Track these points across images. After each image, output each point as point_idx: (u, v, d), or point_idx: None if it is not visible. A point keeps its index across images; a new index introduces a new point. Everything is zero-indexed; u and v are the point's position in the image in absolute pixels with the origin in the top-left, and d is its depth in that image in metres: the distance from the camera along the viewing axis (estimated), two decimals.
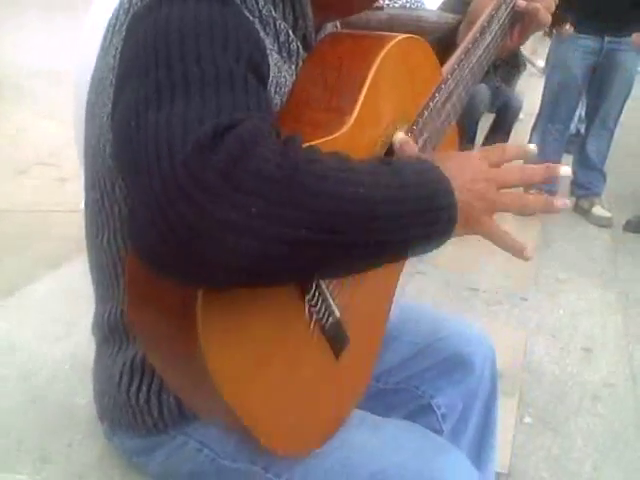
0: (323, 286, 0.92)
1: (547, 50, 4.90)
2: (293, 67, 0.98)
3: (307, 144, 0.77)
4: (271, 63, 0.89)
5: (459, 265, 3.26)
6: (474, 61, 1.16)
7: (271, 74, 0.89)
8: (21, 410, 1.36)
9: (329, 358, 0.98)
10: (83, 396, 1.37)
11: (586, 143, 4.38)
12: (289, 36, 0.97)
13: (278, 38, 0.96)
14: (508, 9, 1.22)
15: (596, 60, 4.08)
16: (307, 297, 0.89)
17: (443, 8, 4.29)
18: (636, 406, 2.46)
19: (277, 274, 0.72)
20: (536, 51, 7.77)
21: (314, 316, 0.92)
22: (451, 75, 1.10)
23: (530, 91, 6.39)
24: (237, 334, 0.81)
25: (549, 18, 1.24)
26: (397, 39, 1.00)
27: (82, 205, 1.09)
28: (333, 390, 1.02)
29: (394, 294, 1.17)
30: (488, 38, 1.19)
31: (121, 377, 1.04)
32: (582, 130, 4.84)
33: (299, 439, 0.96)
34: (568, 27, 3.97)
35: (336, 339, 0.98)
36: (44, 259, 2.55)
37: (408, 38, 1.03)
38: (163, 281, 0.72)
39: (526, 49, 6.66)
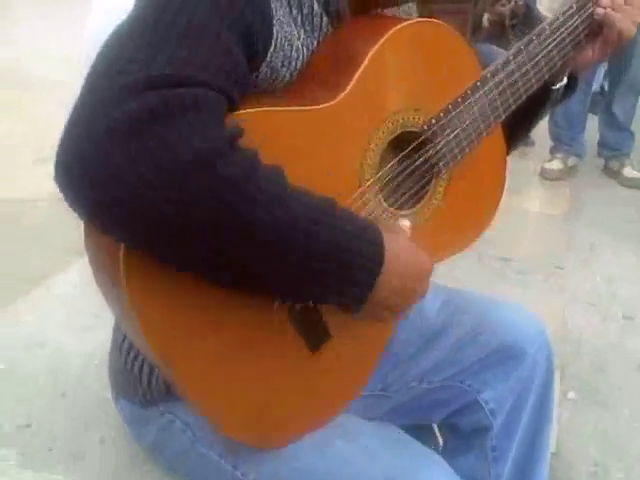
0: None
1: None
2: (315, 42, 0.96)
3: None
4: (280, 37, 0.88)
5: (489, 235, 3.17)
6: (528, 64, 1.06)
7: (274, 47, 0.87)
8: (51, 406, 1.34)
9: (301, 348, 0.92)
10: None
11: (612, 103, 4.22)
12: (313, 9, 0.95)
13: (302, 10, 0.94)
14: (583, 16, 1.10)
15: None
16: None
17: None
18: None
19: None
20: (553, 8, 7.60)
21: None
22: (492, 76, 1.03)
23: None
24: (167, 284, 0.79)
25: (632, 30, 1.10)
26: (409, 22, 0.96)
27: None
28: (306, 387, 0.96)
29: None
30: (550, 43, 1.07)
31: (124, 341, 1.06)
32: (606, 87, 4.69)
33: (252, 423, 0.92)
34: None
35: (309, 329, 0.92)
36: (71, 248, 2.52)
37: (425, 22, 0.99)
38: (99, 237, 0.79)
39: (542, 5, 6.50)
